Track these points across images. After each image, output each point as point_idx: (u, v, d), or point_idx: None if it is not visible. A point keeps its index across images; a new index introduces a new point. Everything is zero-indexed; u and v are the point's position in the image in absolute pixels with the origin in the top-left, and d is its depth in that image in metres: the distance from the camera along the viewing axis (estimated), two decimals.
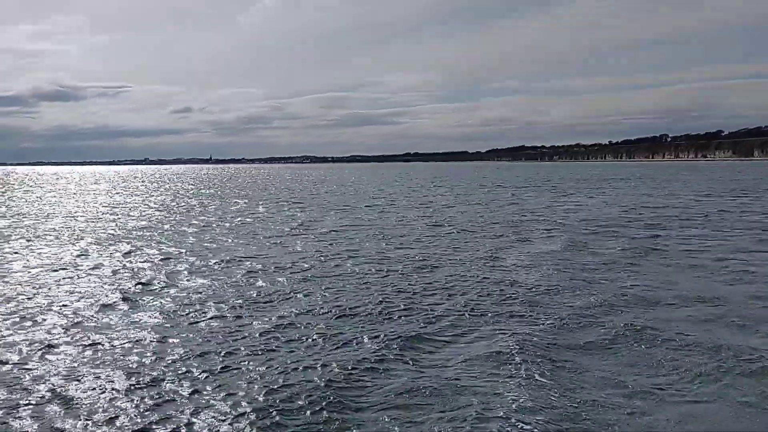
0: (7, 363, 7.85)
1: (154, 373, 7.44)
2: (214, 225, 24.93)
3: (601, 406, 6.48)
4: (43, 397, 6.77)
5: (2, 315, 10.25)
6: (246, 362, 7.89)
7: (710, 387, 7.01)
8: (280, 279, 13.21)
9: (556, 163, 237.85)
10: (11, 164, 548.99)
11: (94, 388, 6.98)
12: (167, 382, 7.16)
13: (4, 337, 9.00)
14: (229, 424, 6.09)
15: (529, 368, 7.57)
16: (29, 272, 14.21)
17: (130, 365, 7.77)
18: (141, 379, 7.27)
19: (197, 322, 9.81)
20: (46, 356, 8.12)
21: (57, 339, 8.88)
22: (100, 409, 6.42)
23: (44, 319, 9.94)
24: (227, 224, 25.08)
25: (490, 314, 10.19)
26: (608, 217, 26.22)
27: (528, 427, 5.96)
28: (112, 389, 6.95)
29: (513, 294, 11.57)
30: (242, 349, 8.42)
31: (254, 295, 11.69)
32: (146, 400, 6.64)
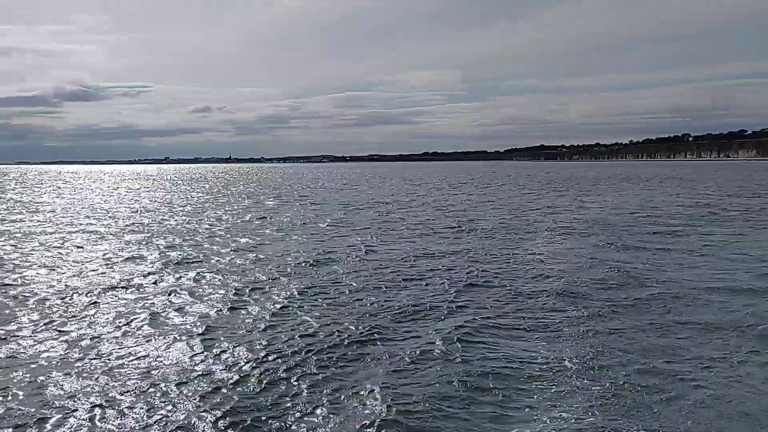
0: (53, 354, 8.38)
1: (183, 339, 7.95)
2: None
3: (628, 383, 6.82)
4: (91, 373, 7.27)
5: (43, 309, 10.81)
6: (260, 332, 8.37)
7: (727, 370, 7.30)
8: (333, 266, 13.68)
9: (576, 163, 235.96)
10: (35, 163, 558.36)
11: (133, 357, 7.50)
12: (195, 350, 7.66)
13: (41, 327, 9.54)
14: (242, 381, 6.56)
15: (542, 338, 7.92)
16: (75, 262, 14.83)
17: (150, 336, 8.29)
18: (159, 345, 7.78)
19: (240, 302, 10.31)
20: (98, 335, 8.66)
21: (103, 319, 9.44)
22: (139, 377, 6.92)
23: (97, 303, 10.50)
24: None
25: (492, 293, 10.54)
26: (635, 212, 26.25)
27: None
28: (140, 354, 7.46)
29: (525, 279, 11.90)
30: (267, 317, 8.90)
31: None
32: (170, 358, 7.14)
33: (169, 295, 10.79)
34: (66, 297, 10.56)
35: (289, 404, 6.18)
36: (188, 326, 8.83)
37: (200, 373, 6.97)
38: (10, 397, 6.32)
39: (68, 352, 7.69)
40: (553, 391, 6.44)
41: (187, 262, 14.12)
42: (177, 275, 12.59)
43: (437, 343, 7.93)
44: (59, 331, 8.60)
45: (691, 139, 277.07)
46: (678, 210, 26.54)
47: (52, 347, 7.89)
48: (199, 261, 14.38)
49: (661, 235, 18.25)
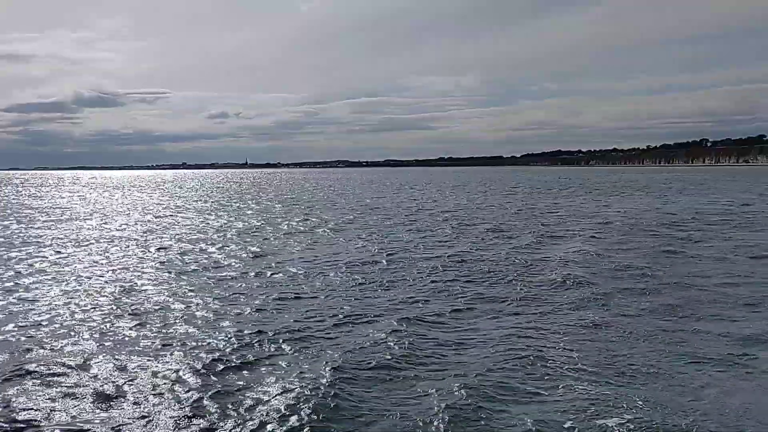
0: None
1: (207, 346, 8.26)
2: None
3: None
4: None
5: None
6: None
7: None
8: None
9: (591, 168, 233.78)
10: (54, 168, 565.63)
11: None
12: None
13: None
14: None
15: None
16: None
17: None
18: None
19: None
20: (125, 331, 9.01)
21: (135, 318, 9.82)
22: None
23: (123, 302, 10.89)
24: None
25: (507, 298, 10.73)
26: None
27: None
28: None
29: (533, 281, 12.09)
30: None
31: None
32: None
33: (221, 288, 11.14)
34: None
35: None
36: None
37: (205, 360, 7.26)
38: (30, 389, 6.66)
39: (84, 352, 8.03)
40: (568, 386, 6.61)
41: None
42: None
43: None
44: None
45: (709, 144, 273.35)
46: None
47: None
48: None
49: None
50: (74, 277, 12.90)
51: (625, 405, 6.17)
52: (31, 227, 24.17)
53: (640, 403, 6.24)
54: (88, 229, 23.64)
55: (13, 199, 49.15)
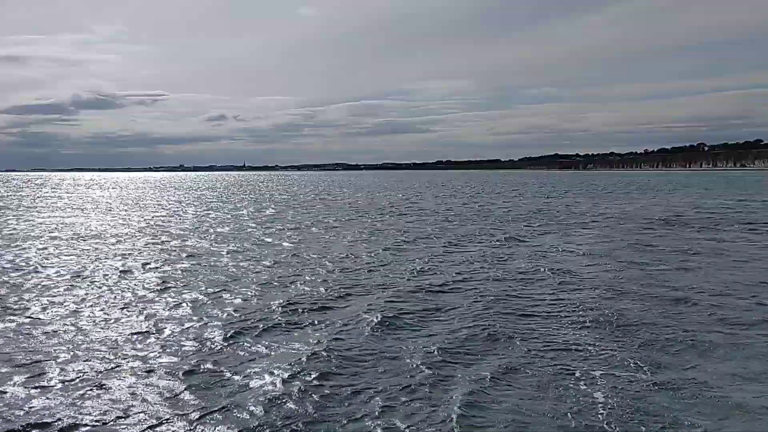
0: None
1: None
2: None
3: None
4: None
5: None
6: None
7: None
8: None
9: (586, 172, 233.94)
10: (52, 170, 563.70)
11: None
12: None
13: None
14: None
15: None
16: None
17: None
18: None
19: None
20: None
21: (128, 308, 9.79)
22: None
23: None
24: None
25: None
26: None
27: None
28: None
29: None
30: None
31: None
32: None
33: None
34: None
35: None
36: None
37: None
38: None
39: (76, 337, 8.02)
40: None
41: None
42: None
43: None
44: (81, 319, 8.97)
45: (706, 148, 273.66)
46: None
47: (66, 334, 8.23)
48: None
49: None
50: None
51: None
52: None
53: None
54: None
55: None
